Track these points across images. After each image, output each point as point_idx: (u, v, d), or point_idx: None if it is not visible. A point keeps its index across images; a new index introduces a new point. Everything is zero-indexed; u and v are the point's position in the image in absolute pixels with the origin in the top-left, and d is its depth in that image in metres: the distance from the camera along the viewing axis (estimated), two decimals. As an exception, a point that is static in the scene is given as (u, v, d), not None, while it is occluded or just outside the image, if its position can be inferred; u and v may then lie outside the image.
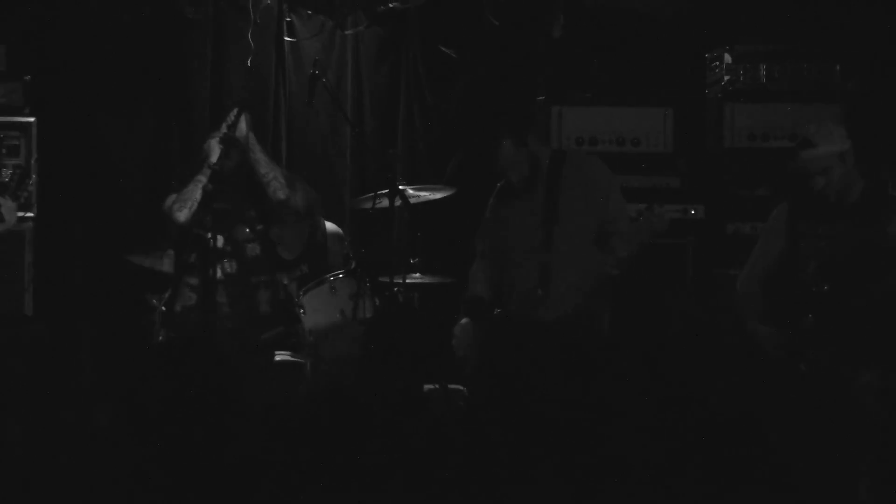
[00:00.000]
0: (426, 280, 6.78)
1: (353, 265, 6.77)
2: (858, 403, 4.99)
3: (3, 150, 6.85)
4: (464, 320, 5.89)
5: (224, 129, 6.10)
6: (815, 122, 5.57)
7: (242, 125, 6.10)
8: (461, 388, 6.35)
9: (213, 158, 6.08)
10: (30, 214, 6.14)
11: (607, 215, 5.80)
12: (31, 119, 6.92)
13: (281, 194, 6.11)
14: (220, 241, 6.07)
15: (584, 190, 5.80)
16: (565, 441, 3.11)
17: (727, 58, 7.11)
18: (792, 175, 5.53)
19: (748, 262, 5.80)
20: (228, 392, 3.18)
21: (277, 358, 6.45)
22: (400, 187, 6.31)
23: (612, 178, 5.98)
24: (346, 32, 7.79)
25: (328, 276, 6.70)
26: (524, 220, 5.88)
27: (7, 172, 6.31)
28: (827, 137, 5.37)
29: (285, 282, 6.61)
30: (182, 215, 6.09)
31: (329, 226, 7.34)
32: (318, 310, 6.54)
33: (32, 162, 6.87)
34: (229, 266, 6.17)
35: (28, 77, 6.97)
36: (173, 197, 6.27)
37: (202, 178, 6.11)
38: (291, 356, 6.56)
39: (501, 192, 6.12)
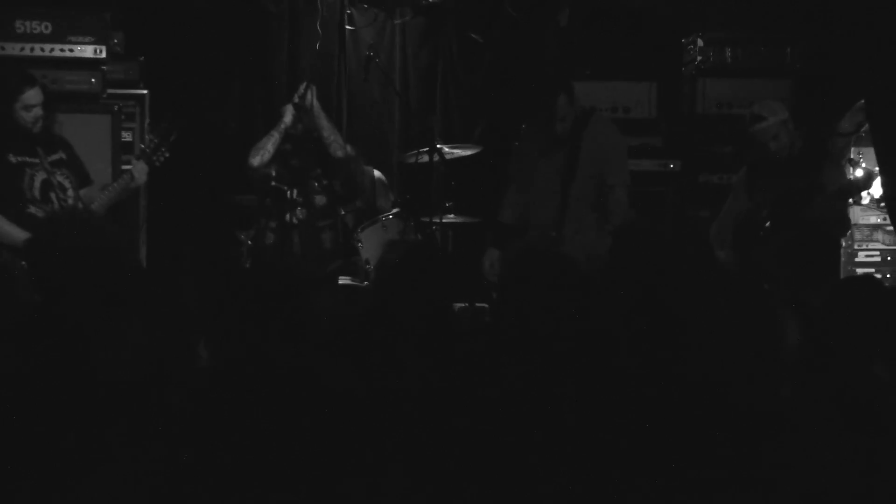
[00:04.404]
0: (458, 220, 7.23)
1: (399, 208, 7.08)
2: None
3: (123, 116, 7.10)
4: (491, 249, 6.10)
5: (295, 98, 6.55)
6: (758, 101, 6.10)
7: (310, 95, 6.52)
8: (486, 306, 6.67)
9: (287, 120, 6.57)
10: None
11: (604, 176, 5.99)
12: (145, 91, 7.25)
13: (340, 153, 6.58)
14: (294, 193, 6.55)
15: (598, 150, 5.99)
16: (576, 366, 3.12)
17: (700, 42, 7.51)
18: (749, 144, 6.05)
19: (719, 215, 6.25)
20: (300, 308, 3.29)
21: (340, 282, 6.81)
22: (437, 146, 6.87)
23: (620, 141, 6.18)
24: (396, 22, 8.27)
25: (381, 216, 7.01)
26: (548, 169, 6.06)
27: (147, 139, 6.16)
28: (771, 111, 5.95)
29: (343, 212, 6.83)
30: (255, 161, 6.52)
31: (376, 173, 7.68)
32: (372, 243, 6.86)
33: (146, 125, 7.14)
34: (301, 213, 6.60)
35: (142, 58, 7.30)
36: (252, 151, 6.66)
37: (275, 134, 6.54)
38: (351, 280, 6.94)
39: (532, 133, 6.23)
